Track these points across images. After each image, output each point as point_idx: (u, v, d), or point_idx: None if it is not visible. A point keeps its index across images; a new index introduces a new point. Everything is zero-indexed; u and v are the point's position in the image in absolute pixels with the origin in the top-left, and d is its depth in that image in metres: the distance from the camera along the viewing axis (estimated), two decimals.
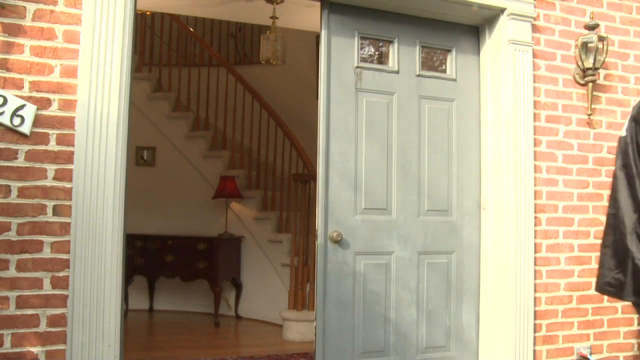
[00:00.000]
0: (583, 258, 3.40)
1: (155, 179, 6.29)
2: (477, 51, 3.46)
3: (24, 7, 2.46)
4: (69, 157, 2.48)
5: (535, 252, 3.27)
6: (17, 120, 2.40)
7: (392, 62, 3.27)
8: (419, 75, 3.30)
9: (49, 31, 2.49)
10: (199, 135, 6.39)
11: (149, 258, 5.79)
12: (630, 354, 3.48)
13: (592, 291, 3.39)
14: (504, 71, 3.28)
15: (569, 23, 3.45)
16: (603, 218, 3.46)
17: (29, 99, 2.44)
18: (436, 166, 3.31)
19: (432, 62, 3.40)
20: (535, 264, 3.26)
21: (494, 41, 3.36)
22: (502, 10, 3.28)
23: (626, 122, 3.11)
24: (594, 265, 3.42)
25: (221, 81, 6.35)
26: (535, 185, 3.28)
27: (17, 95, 2.42)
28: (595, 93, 3.44)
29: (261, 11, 4.27)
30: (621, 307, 3.47)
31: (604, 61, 3.38)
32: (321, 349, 3.02)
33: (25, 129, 2.42)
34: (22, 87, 2.44)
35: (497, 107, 3.31)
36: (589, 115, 3.44)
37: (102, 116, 2.52)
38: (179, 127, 6.45)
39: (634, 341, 3.50)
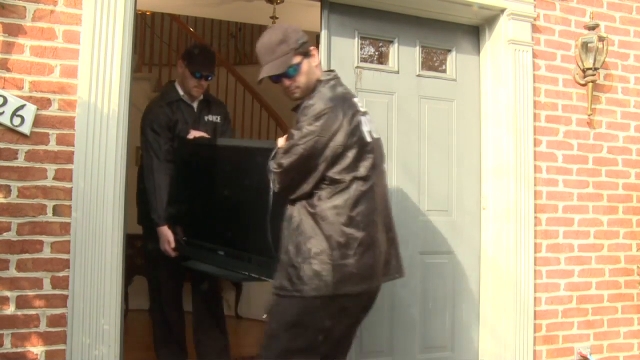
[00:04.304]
0: (583, 258, 3.40)
1: None
2: (477, 51, 3.46)
3: (24, 7, 2.46)
4: (69, 157, 2.48)
5: (535, 252, 3.27)
6: (17, 120, 2.40)
7: (392, 62, 3.27)
8: (419, 75, 3.30)
9: (49, 31, 2.49)
10: None
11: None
12: (630, 354, 3.48)
13: (592, 291, 3.40)
14: (504, 71, 3.28)
15: (569, 23, 3.45)
16: (603, 218, 3.46)
17: (29, 99, 2.44)
18: (436, 166, 3.31)
19: (432, 62, 3.40)
20: (535, 264, 3.26)
21: (494, 41, 3.36)
22: (502, 10, 3.28)
23: None
24: (594, 265, 3.42)
25: (221, 81, 6.35)
26: (535, 185, 3.28)
27: (17, 95, 2.41)
28: (595, 93, 3.44)
29: (261, 11, 4.27)
30: (621, 307, 3.47)
31: (604, 61, 3.38)
32: None
33: (25, 129, 2.42)
34: (22, 87, 2.44)
35: (497, 107, 3.31)
36: (589, 115, 3.44)
37: (102, 116, 2.51)
38: None
39: (634, 341, 3.50)
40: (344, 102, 2.18)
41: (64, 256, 2.46)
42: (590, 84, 3.40)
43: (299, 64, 2.20)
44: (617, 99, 3.55)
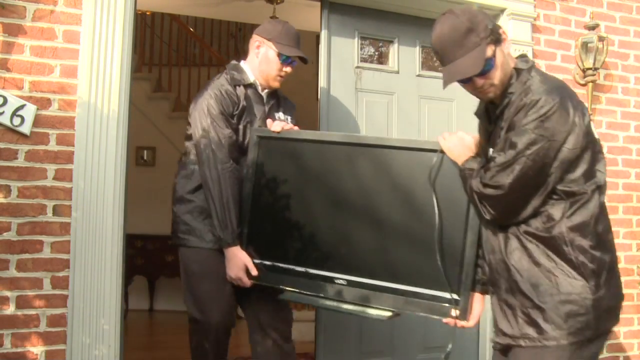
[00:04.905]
0: None
1: (155, 179, 6.27)
2: None
3: (24, 7, 2.46)
4: (69, 157, 2.48)
5: None
6: (17, 120, 2.40)
7: (392, 62, 3.27)
8: (419, 76, 3.30)
9: (49, 31, 2.49)
10: None
11: (149, 258, 5.78)
12: (630, 354, 3.48)
13: None
14: None
15: (569, 23, 3.45)
16: None
17: (29, 99, 2.44)
18: None
19: (432, 62, 3.39)
20: None
21: None
22: (502, 10, 3.28)
23: None
24: None
25: None
26: None
27: (17, 95, 2.42)
28: (595, 93, 3.44)
29: (261, 11, 4.27)
30: None
31: (604, 61, 3.38)
32: (321, 349, 3.01)
33: (25, 129, 2.42)
34: (22, 87, 2.44)
35: None
36: (589, 115, 3.44)
37: (102, 116, 2.51)
38: (179, 127, 6.40)
39: (634, 341, 3.50)
40: (569, 93, 1.71)
41: (64, 256, 2.46)
42: (590, 84, 3.40)
43: (492, 57, 1.69)
44: (617, 99, 3.55)
